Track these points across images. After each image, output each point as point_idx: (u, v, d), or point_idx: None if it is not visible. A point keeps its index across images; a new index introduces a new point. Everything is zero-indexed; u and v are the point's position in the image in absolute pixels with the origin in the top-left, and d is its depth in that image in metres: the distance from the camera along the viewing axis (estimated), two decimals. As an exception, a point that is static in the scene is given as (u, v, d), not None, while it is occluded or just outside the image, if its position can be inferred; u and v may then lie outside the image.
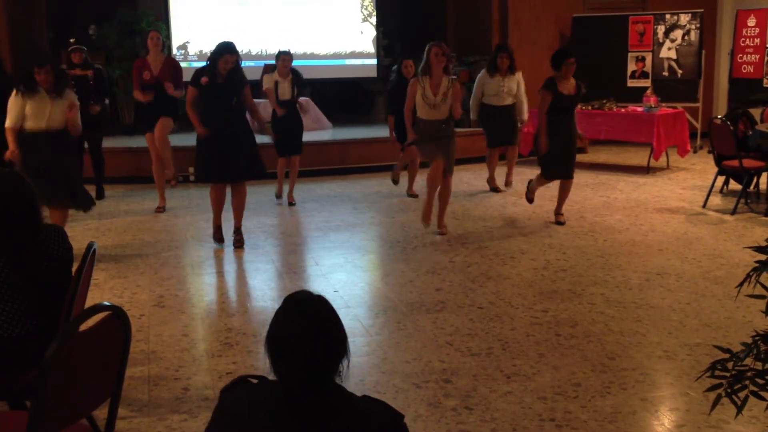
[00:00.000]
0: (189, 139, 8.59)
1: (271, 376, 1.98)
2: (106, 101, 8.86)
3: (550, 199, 8.05)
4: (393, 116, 8.66)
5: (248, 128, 6.70)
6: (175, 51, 11.93)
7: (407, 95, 6.97)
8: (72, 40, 8.89)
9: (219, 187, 6.72)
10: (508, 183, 9.15)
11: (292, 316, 1.94)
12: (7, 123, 6.12)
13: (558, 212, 7.52)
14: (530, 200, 7.89)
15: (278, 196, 8.83)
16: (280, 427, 1.88)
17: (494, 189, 9.11)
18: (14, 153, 6.05)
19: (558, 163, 7.29)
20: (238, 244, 6.83)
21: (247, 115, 6.75)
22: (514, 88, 8.80)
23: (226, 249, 6.79)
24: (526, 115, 9.06)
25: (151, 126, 8.10)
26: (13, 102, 6.11)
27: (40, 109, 6.06)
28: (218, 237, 6.89)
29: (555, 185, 7.59)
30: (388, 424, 1.96)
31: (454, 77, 7.08)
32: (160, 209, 8.31)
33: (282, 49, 8.51)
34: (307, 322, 1.92)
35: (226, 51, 6.37)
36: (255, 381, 2.03)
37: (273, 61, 8.64)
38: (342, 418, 1.91)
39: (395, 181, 9.20)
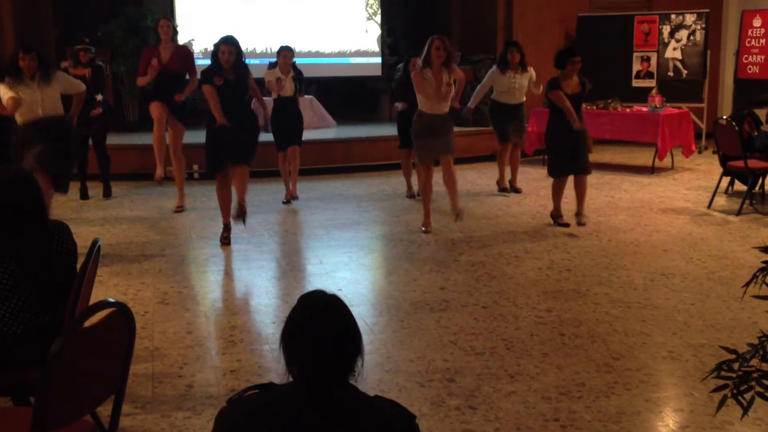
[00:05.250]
0: (192, 137, 8.62)
1: (281, 379, 1.98)
2: (98, 98, 8.60)
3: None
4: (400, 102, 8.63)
5: (255, 124, 6.79)
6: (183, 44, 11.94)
7: (415, 86, 6.93)
8: (86, 40, 8.90)
9: (224, 182, 6.70)
10: (517, 190, 8.99)
11: (310, 315, 1.94)
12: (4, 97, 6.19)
13: (579, 212, 7.23)
14: (561, 223, 7.34)
15: (286, 201, 8.66)
16: (297, 427, 1.88)
17: (503, 189, 9.03)
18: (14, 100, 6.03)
19: (566, 161, 7.12)
20: (240, 215, 6.70)
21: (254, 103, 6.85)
22: (526, 85, 8.73)
23: (230, 247, 6.78)
24: (540, 89, 8.82)
25: (160, 97, 7.99)
26: (3, 90, 6.14)
27: (32, 101, 6.06)
28: (225, 237, 6.85)
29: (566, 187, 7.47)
30: (401, 425, 1.97)
31: (464, 67, 7.03)
32: (159, 179, 8.11)
33: (283, 45, 8.49)
34: (327, 321, 1.92)
35: (222, 42, 6.49)
36: (261, 390, 2.02)
37: (276, 59, 8.63)
38: (357, 417, 1.92)
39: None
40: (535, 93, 8.90)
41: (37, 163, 5.97)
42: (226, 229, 6.86)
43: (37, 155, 6.05)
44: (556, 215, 7.40)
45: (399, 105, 8.42)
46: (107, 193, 8.94)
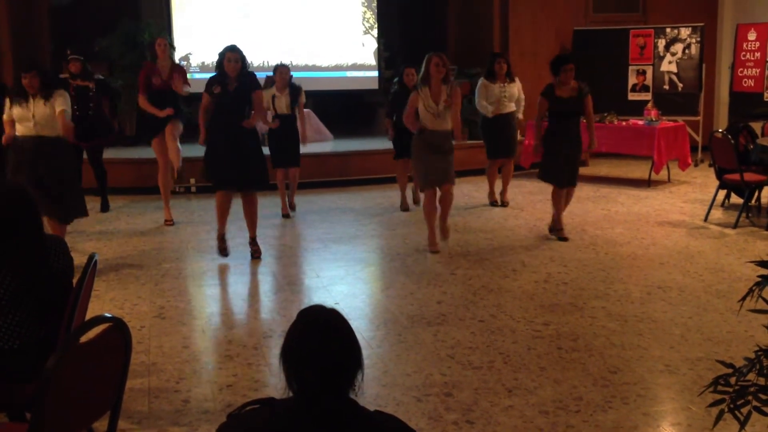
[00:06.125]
0: (192, 150, 8.63)
1: (281, 394, 1.98)
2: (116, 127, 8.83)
3: (551, 212, 8.04)
4: (391, 119, 8.66)
5: (256, 138, 6.74)
6: (177, 62, 11.96)
7: (407, 105, 6.91)
8: (68, 51, 8.85)
9: (224, 193, 6.69)
10: (504, 202, 8.99)
11: (309, 330, 1.94)
12: (5, 117, 6.27)
13: (559, 227, 7.39)
14: (560, 236, 7.32)
15: (285, 215, 8.63)
16: None
17: (494, 203, 9.06)
18: (8, 137, 6.15)
19: (557, 167, 7.14)
20: (256, 254, 6.81)
21: (259, 124, 6.83)
22: (516, 94, 8.79)
23: (227, 260, 6.78)
24: (521, 114, 8.97)
25: (158, 132, 8.02)
26: (6, 106, 6.25)
27: (25, 113, 6.08)
28: (222, 247, 6.83)
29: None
30: None
31: (461, 80, 7.01)
32: (169, 222, 8.20)
33: (281, 62, 8.52)
34: (326, 336, 1.93)
35: (227, 50, 6.46)
36: (261, 405, 2.03)
37: (273, 73, 8.66)
38: None
39: (415, 201, 8.98)
40: (518, 116, 8.90)
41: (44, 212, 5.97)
42: (222, 239, 6.85)
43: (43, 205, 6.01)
44: (557, 227, 7.38)
45: (390, 133, 8.70)
46: (105, 208, 8.93)
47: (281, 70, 8.32)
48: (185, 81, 7.99)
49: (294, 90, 8.37)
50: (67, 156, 6.32)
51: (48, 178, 6.06)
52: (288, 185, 8.71)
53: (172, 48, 8.36)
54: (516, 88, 8.79)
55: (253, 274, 6.46)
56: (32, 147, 6.09)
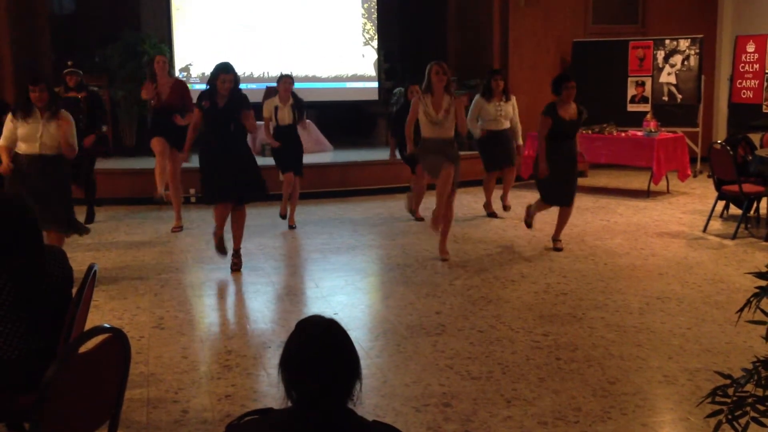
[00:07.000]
0: (192, 160, 8.64)
1: (280, 404, 1.98)
2: (104, 128, 8.65)
3: (551, 223, 8.03)
4: (395, 138, 8.64)
5: (249, 151, 6.75)
6: (177, 73, 11.98)
7: (409, 113, 6.95)
8: (69, 63, 8.83)
9: (224, 205, 6.68)
10: (506, 207, 9.06)
11: (306, 340, 1.95)
12: (1, 142, 6.06)
13: (556, 238, 7.45)
14: (529, 225, 7.75)
15: (282, 216, 8.73)
16: None
17: (491, 214, 9.07)
18: (6, 167, 5.97)
19: (558, 189, 7.22)
20: (236, 267, 6.80)
21: (249, 138, 6.83)
22: (511, 112, 8.83)
23: (226, 270, 6.78)
24: (521, 140, 9.08)
25: (160, 132, 8.17)
26: (7, 123, 6.05)
27: (32, 133, 5.96)
28: (221, 247, 6.81)
29: (555, 209, 7.54)
30: None
31: (461, 92, 7.04)
32: (158, 196, 8.47)
33: (284, 72, 8.52)
34: (325, 346, 1.93)
35: (221, 71, 6.44)
36: (260, 415, 2.03)
37: (275, 84, 8.66)
38: None
39: (413, 212, 8.93)
40: (515, 128, 8.97)
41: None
42: (220, 239, 6.80)
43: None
44: (529, 218, 7.71)
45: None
46: (90, 220, 8.84)
47: (285, 80, 8.31)
48: (187, 106, 8.01)
49: (299, 102, 8.37)
50: (64, 172, 6.25)
51: (47, 193, 6.00)
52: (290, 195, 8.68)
53: (171, 65, 8.41)
54: (511, 106, 8.82)
55: (252, 284, 6.46)
56: (33, 165, 6.01)
